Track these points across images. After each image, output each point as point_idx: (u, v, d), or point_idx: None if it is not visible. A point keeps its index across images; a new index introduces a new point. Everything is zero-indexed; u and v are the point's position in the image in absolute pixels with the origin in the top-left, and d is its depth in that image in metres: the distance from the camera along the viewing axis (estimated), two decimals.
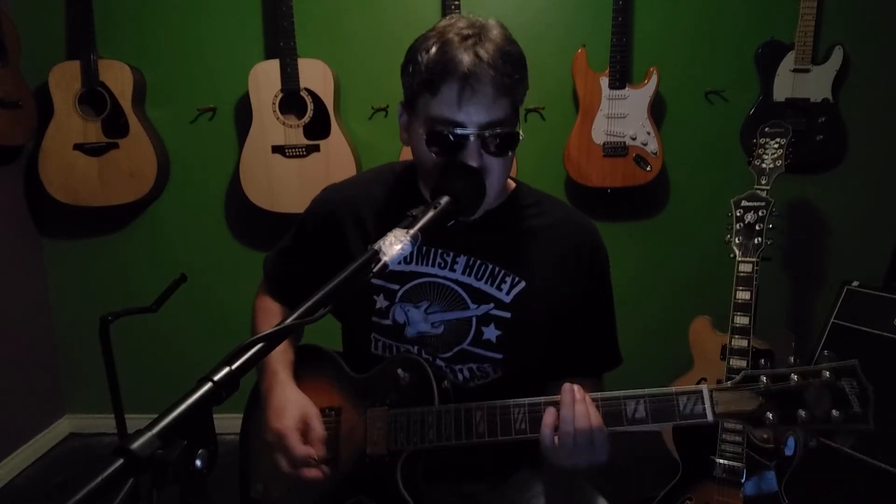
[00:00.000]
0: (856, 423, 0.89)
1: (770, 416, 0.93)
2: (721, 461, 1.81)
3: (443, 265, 1.20)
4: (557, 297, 1.19)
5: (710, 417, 0.97)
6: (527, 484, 1.27)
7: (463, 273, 1.19)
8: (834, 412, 0.90)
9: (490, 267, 1.19)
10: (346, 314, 1.31)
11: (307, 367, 1.27)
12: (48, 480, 2.64)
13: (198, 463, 0.65)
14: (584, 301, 1.22)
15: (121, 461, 0.59)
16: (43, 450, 2.83)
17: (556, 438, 1.01)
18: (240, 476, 1.25)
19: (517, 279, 1.18)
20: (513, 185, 1.26)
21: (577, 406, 1.00)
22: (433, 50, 1.05)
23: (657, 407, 1.00)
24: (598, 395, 1.03)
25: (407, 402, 1.13)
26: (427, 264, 1.20)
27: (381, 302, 1.22)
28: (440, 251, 1.20)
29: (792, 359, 0.96)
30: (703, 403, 0.98)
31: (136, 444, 0.59)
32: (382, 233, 0.90)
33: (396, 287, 1.21)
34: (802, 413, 0.92)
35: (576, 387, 1.03)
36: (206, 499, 0.67)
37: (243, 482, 1.25)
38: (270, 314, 1.36)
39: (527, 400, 1.07)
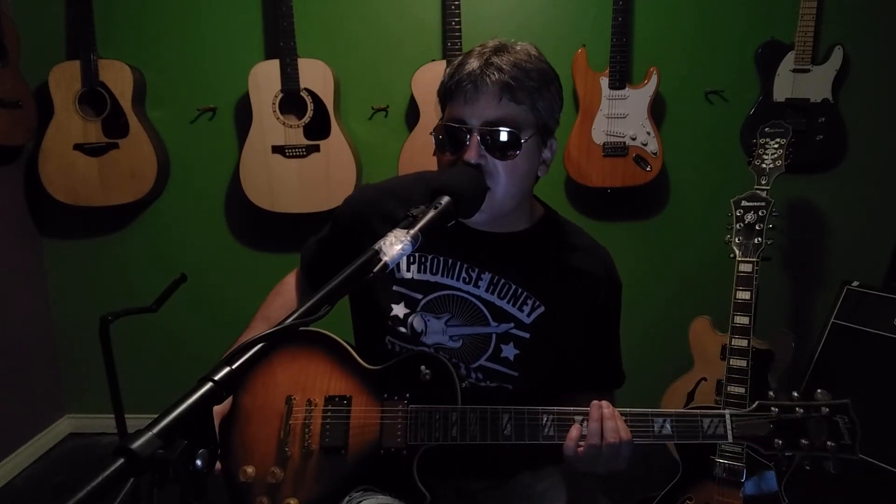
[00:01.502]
0: (846, 453, 1.06)
1: (778, 441, 1.08)
2: (721, 461, 1.82)
3: (467, 280, 1.22)
4: (572, 325, 1.23)
5: (730, 439, 1.10)
6: (528, 489, 1.29)
7: (486, 290, 1.22)
8: (829, 443, 1.06)
9: (513, 287, 1.21)
10: (362, 314, 1.32)
11: (315, 353, 1.26)
12: (48, 480, 2.64)
13: (198, 463, 0.65)
14: (596, 328, 1.27)
15: (121, 461, 0.58)
16: (43, 450, 2.82)
17: (579, 449, 1.07)
18: (223, 460, 1.20)
19: (538, 303, 1.21)
20: (542, 210, 1.29)
21: (607, 423, 1.07)
22: (456, 63, 1.13)
23: (683, 426, 1.10)
24: (628, 410, 1.10)
25: (428, 399, 1.15)
26: (452, 277, 1.23)
27: (399, 310, 1.24)
28: (465, 266, 1.22)
29: (795, 394, 1.10)
30: (725, 427, 1.10)
31: (136, 444, 0.59)
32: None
33: (420, 296, 1.23)
34: (804, 441, 1.07)
35: (604, 403, 1.09)
36: (206, 499, 0.67)
37: (228, 468, 1.20)
38: (280, 297, 1.42)
39: (556, 408, 1.11)
